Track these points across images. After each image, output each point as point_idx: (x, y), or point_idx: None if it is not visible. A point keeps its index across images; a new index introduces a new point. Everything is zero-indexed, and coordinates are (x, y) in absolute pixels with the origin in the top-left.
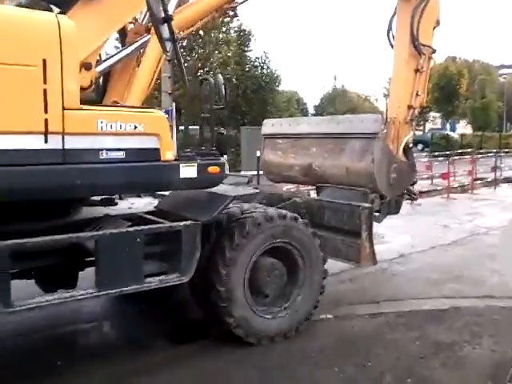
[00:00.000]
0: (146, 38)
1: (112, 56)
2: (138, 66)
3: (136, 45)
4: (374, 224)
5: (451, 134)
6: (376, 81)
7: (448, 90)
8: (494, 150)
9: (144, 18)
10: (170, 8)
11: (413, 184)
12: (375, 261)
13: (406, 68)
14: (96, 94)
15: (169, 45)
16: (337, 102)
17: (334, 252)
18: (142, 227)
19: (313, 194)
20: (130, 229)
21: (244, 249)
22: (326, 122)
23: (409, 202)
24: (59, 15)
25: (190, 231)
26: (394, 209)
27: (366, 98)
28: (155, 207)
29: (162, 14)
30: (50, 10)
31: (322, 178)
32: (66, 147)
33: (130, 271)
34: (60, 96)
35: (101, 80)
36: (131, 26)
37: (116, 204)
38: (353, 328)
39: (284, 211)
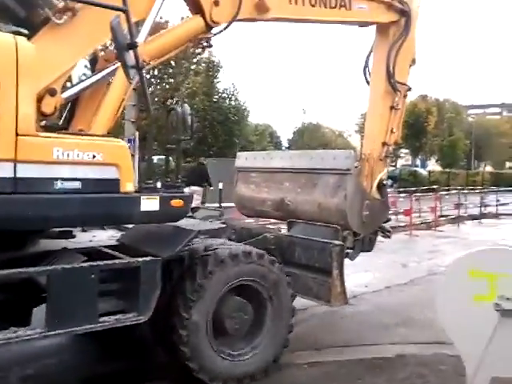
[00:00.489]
0: (115, 66)
1: (79, 82)
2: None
3: (105, 72)
4: (346, 261)
5: (419, 170)
6: (349, 116)
7: (416, 127)
8: (459, 187)
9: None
10: (142, 36)
11: (386, 221)
12: (346, 300)
13: (382, 105)
14: (62, 122)
15: (133, 72)
16: (305, 137)
17: (304, 290)
18: (97, 263)
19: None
20: (84, 264)
21: (206, 289)
22: (299, 157)
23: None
24: (18, 36)
25: (150, 268)
26: (368, 246)
27: (339, 133)
28: (117, 241)
29: (127, 41)
30: (20, 34)
31: (295, 214)
32: (17, 175)
33: (83, 309)
34: (14, 121)
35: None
36: (102, 52)
37: (74, 237)
38: (288, 379)
39: (249, 248)
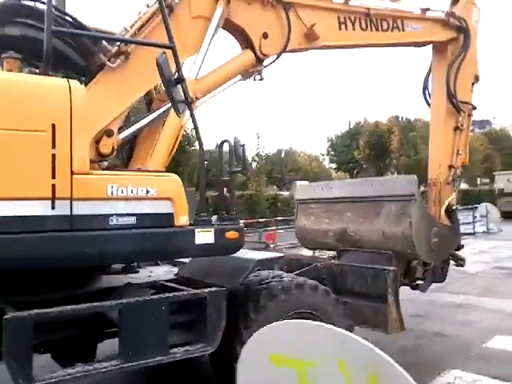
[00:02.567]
0: (169, 105)
1: (136, 122)
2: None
3: (160, 111)
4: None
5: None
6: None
7: (379, 148)
8: None
9: None
10: (194, 71)
11: (458, 249)
12: (403, 327)
13: (445, 126)
14: (121, 162)
15: (182, 107)
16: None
17: (358, 318)
18: (167, 295)
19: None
20: (155, 296)
21: (259, 323)
22: (360, 185)
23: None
24: (71, 80)
25: (216, 298)
26: (440, 277)
27: (314, 157)
28: (176, 274)
29: (175, 76)
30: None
31: (359, 244)
32: (73, 213)
33: (155, 342)
34: (69, 161)
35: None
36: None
37: (137, 272)
38: None
39: (302, 279)
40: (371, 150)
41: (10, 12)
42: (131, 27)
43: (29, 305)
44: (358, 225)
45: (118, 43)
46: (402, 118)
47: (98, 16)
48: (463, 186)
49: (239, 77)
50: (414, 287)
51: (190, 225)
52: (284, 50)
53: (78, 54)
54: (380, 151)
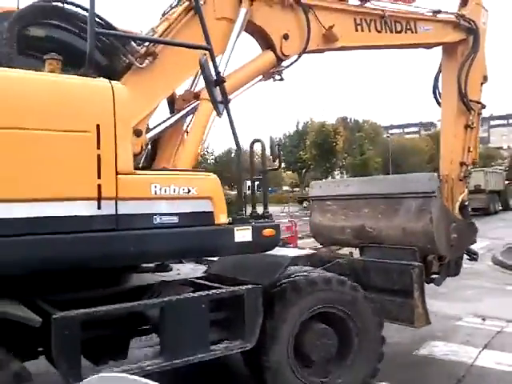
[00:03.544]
0: (194, 105)
1: (161, 123)
2: (186, 132)
3: (184, 111)
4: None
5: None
6: None
7: (325, 148)
8: None
9: (192, 84)
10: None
11: (472, 243)
12: (429, 320)
13: (456, 125)
14: (145, 161)
15: (222, 107)
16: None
17: (383, 314)
18: (207, 292)
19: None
20: (196, 294)
21: (285, 317)
22: (378, 183)
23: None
24: (113, 81)
25: (253, 295)
26: (454, 270)
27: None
28: (205, 272)
29: (214, 77)
30: None
31: (377, 240)
32: (118, 213)
33: (197, 339)
34: (113, 161)
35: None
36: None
37: (171, 270)
38: None
39: (330, 274)
40: (317, 150)
41: (38, 13)
42: (157, 27)
43: (64, 304)
44: (376, 221)
45: (146, 44)
46: (351, 119)
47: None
48: None
49: (260, 77)
50: (429, 281)
51: (229, 223)
52: (304, 51)
53: (101, 54)
54: (326, 151)
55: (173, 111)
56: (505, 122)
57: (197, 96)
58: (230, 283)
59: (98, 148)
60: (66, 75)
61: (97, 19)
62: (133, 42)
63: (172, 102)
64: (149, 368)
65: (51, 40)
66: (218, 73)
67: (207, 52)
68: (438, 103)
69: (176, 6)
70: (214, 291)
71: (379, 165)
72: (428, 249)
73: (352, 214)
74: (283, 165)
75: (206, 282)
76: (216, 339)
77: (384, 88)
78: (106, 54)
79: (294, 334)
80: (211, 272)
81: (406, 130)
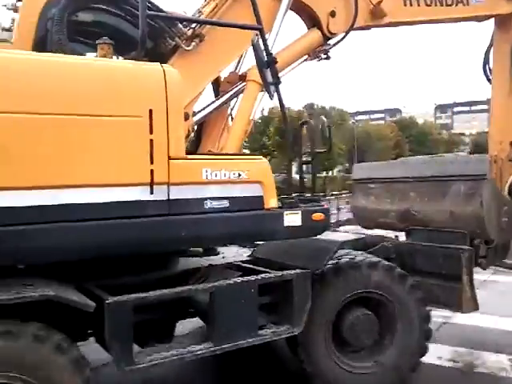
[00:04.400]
0: (239, 87)
1: (207, 106)
2: (231, 114)
3: (230, 93)
4: None
5: (295, 176)
6: None
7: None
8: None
9: (237, 66)
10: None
11: None
12: (477, 305)
13: (508, 103)
14: (190, 145)
15: (272, 89)
16: None
17: (429, 298)
18: (257, 277)
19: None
20: (245, 278)
21: (324, 298)
22: (425, 164)
23: None
24: (164, 65)
25: (301, 280)
26: (502, 255)
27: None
28: (250, 256)
29: (266, 58)
30: None
31: (423, 224)
32: (171, 198)
33: (246, 324)
34: (166, 146)
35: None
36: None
37: (218, 254)
38: None
39: (376, 259)
40: (281, 137)
41: None
42: (203, 8)
43: (113, 288)
44: (422, 204)
45: (193, 26)
46: (317, 105)
47: None
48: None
49: (305, 56)
50: (476, 265)
51: (279, 207)
52: (352, 28)
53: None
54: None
55: (218, 94)
56: (468, 108)
57: (242, 78)
58: (276, 267)
59: (151, 133)
60: (118, 60)
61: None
62: (180, 24)
63: (217, 84)
64: (199, 352)
65: (98, 25)
66: (269, 54)
67: (258, 32)
68: (489, 80)
69: None
70: (263, 275)
71: (344, 151)
72: (478, 233)
73: (397, 197)
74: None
75: (253, 266)
76: (264, 324)
77: (350, 74)
78: (152, 36)
79: (332, 318)
80: (256, 256)
81: (372, 116)
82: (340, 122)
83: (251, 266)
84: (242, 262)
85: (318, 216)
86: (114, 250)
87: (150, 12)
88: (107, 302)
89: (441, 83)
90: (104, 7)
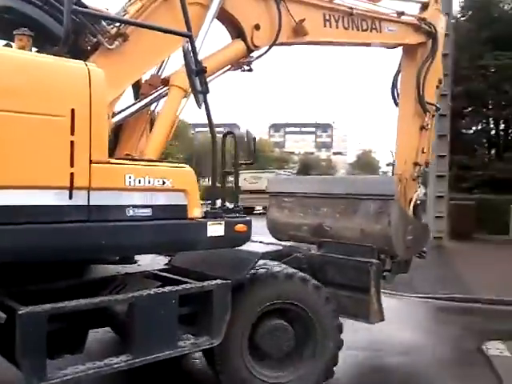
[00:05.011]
0: (161, 91)
1: (127, 108)
2: (152, 118)
3: (152, 97)
4: None
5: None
6: None
7: None
8: None
9: (159, 69)
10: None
11: (425, 244)
12: (383, 317)
13: (412, 125)
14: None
15: (201, 97)
16: None
17: (339, 309)
18: (177, 287)
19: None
20: (165, 289)
21: (241, 310)
22: (338, 182)
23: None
24: (88, 63)
25: (222, 291)
26: (404, 268)
27: None
28: (166, 264)
29: (195, 66)
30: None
31: (334, 238)
32: (91, 203)
33: (165, 335)
34: (88, 148)
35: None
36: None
37: (135, 262)
38: None
39: (292, 270)
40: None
41: None
42: (127, 7)
43: (24, 297)
44: (334, 220)
45: (117, 24)
46: None
47: None
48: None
49: (228, 66)
50: (381, 278)
51: (202, 217)
52: (274, 43)
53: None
54: None
55: (137, 96)
56: (298, 129)
57: (165, 82)
58: (195, 277)
59: (72, 134)
60: (38, 54)
61: None
62: (103, 22)
63: (137, 86)
64: (116, 366)
65: (10, 11)
66: (198, 62)
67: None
68: (396, 103)
69: None
70: (184, 286)
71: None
72: (385, 250)
73: (310, 212)
74: None
75: (171, 276)
76: (183, 335)
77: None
78: (72, 31)
79: (249, 329)
80: (174, 265)
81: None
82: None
83: (169, 275)
84: (160, 270)
85: (240, 227)
86: (28, 256)
87: (75, 7)
88: (20, 312)
89: (275, 104)
90: None
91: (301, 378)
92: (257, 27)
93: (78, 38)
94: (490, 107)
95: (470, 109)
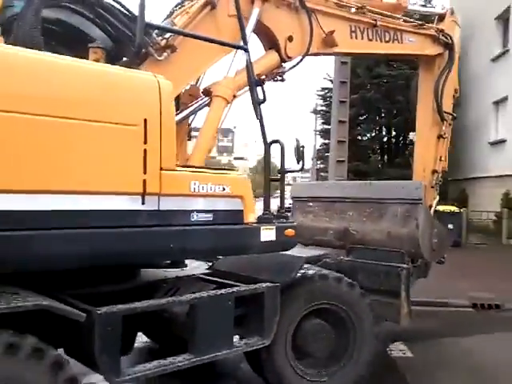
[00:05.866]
0: (202, 101)
1: None
2: (189, 128)
3: (193, 107)
4: None
5: None
6: None
7: None
8: None
9: (198, 80)
10: (233, 70)
11: (448, 248)
12: (411, 318)
13: (431, 134)
14: None
15: (258, 108)
16: None
17: None
18: (233, 289)
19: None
20: (223, 291)
21: (285, 312)
22: (365, 188)
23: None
24: (158, 75)
25: (272, 293)
26: (423, 272)
27: None
28: (209, 269)
29: (256, 78)
30: None
31: (361, 242)
32: (160, 208)
33: (223, 335)
34: (158, 156)
35: None
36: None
37: (186, 265)
38: None
39: (326, 271)
40: None
41: None
42: (173, 18)
43: (85, 298)
44: (361, 224)
45: (166, 36)
46: None
47: None
48: None
49: (263, 76)
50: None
51: (256, 222)
52: (306, 54)
53: (112, 42)
54: None
55: (178, 106)
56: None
57: (205, 92)
58: (240, 280)
59: (145, 143)
60: (113, 66)
61: (121, 8)
62: (154, 34)
63: (177, 97)
64: (181, 364)
65: (59, 23)
66: (253, 74)
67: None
68: (414, 113)
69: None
70: (238, 288)
71: None
72: (412, 253)
73: (336, 216)
74: None
75: (217, 279)
76: (238, 335)
77: None
78: (119, 39)
79: (293, 329)
80: (217, 268)
81: None
82: None
83: (216, 279)
84: (205, 274)
85: (289, 232)
86: (102, 260)
87: (148, 22)
88: (99, 312)
89: None
90: (71, 6)
91: (342, 374)
92: (290, 39)
93: (123, 45)
94: (383, 115)
95: (365, 116)
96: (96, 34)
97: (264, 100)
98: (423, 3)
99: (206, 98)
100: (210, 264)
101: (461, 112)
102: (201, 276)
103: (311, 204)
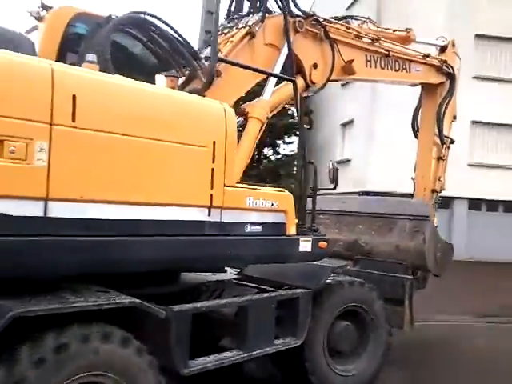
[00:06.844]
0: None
1: None
2: None
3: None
4: None
5: None
6: None
7: None
8: None
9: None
10: (268, 93)
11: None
12: (414, 325)
13: (431, 156)
14: None
15: (303, 133)
16: None
17: None
18: (275, 293)
19: None
20: (267, 295)
21: (320, 315)
22: (375, 203)
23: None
24: (223, 103)
25: (305, 297)
26: (422, 284)
27: None
28: (240, 274)
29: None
30: None
31: (369, 253)
32: (222, 220)
33: (266, 334)
34: (223, 174)
35: None
36: None
37: (226, 271)
38: None
39: (351, 278)
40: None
41: (134, 24)
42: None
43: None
44: (370, 237)
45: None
46: None
47: None
48: None
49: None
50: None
51: (296, 234)
52: (328, 80)
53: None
54: None
55: None
56: None
57: (241, 113)
58: (272, 286)
59: (213, 162)
60: (187, 93)
61: (175, 35)
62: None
63: None
64: (233, 359)
65: (115, 46)
66: (298, 103)
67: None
68: (416, 136)
69: (231, 27)
70: (278, 293)
71: None
72: (418, 265)
73: (345, 229)
74: None
75: (254, 284)
76: (276, 335)
77: None
78: (167, 61)
79: (327, 330)
80: (246, 274)
81: None
82: None
83: (254, 284)
84: (235, 279)
85: (322, 244)
86: (176, 264)
87: (220, 56)
88: (175, 310)
89: None
90: (128, 30)
91: (365, 367)
92: (314, 66)
93: (168, 67)
94: None
95: None
96: (144, 56)
97: (311, 127)
98: None
99: (241, 119)
100: (239, 270)
101: (313, 132)
102: (235, 281)
103: (322, 216)
